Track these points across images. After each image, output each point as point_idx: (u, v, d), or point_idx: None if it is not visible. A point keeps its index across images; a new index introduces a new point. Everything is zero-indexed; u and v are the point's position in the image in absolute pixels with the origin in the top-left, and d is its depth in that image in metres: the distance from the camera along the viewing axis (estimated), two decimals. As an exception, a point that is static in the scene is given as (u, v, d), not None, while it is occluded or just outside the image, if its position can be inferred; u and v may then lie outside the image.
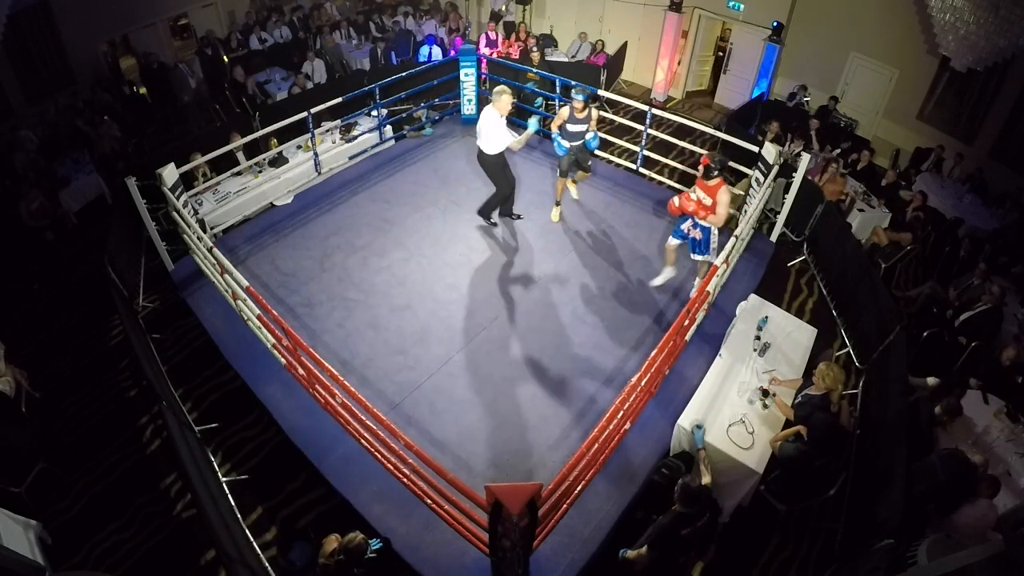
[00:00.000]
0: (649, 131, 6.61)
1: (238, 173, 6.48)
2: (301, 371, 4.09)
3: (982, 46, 6.85)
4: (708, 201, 4.68)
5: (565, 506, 3.30)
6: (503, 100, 5.33)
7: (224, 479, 4.28)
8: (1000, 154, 7.62)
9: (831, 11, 8.59)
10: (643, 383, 3.75)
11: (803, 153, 6.34)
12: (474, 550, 3.36)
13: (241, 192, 6.39)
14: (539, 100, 7.75)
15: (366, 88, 6.96)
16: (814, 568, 3.97)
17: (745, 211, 5.52)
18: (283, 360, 4.46)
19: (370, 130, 7.29)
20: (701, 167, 4.80)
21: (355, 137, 7.21)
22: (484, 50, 9.42)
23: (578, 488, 3.40)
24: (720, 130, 7.04)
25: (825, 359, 4.80)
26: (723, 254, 4.45)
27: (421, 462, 3.16)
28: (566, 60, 9.96)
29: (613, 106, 8.97)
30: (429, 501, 3.45)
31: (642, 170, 6.90)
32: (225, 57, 9.52)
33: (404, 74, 7.38)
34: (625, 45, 9.91)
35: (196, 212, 5.77)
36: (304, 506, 4.21)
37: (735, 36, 9.79)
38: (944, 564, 2.74)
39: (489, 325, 5.05)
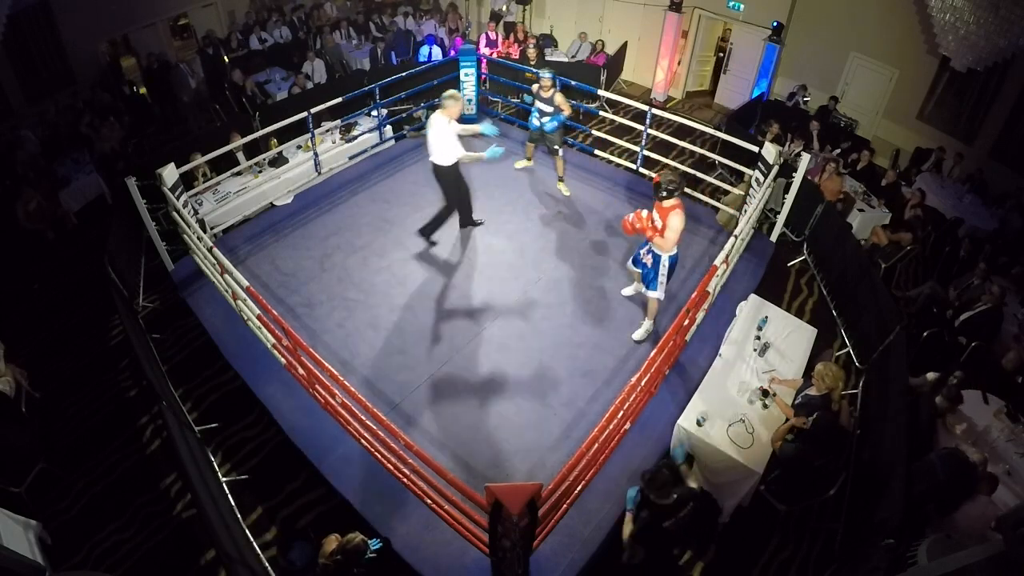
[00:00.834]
0: (649, 131, 6.61)
1: (238, 173, 6.49)
2: (301, 371, 4.09)
3: (982, 46, 6.85)
4: (659, 223, 4.36)
5: (565, 506, 3.30)
6: (452, 105, 5.04)
7: (224, 479, 4.28)
8: (1000, 154, 7.63)
9: (831, 11, 8.59)
10: (643, 383, 3.75)
11: (803, 153, 6.35)
12: (474, 550, 3.36)
13: (241, 192, 6.40)
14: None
15: (366, 88, 6.96)
16: (814, 568, 3.97)
17: (745, 211, 5.52)
18: (283, 360, 4.46)
19: (370, 130, 7.30)
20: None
21: (355, 137, 7.21)
22: (484, 50, 9.42)
23: (578, 488, 3.40)
24: (720, 130, 7.03)
25: (825, 359, 4.80)
26: (723, 254, 4.43)
27: (421, 462, 3.16)
28: (566, 60, 9.96)
29: (613, 106, 8.97)
30: (429, 501, 3.44)
31: (642, 170, 6.89)
32: (225, 57, 9.53)
33: (404, 74, 7.39)
34: (625, 45, 9.92)
35: (196, 212, 5.78)
36: (304, 506, 4.21)
37: (735, 36, 9.80)
38: (944, 564, 2.73)
39: (489, 325, 5.04)
